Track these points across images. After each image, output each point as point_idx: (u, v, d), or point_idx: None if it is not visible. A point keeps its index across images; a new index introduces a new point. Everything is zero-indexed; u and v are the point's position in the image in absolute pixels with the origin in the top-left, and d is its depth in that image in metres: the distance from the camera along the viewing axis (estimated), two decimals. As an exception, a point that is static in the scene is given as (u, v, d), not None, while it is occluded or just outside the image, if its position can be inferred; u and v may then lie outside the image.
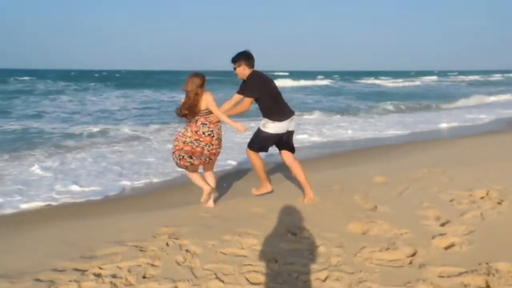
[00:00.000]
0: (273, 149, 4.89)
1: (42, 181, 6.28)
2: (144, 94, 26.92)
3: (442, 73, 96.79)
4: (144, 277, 2.96)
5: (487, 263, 3.00)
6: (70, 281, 2.90)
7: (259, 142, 4.51)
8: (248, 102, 4.34)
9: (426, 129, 12.19)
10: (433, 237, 3.57)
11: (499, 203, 4.44)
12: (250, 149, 4.52)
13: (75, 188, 5.94)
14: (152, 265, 3.13)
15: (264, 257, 3.22)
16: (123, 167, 7.22)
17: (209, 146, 4.25)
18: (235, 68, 4.39)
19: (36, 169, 6.90)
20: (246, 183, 5.99)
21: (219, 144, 4.37)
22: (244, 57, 4.36)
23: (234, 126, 4.31)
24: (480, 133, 11.01)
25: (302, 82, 45.67)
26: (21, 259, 3.34)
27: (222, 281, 2.87)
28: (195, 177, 4.49)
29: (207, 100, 4.20)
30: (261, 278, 2.91)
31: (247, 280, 2.90)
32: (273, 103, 4.45)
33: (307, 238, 3.59)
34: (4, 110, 16.78)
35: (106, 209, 5.05)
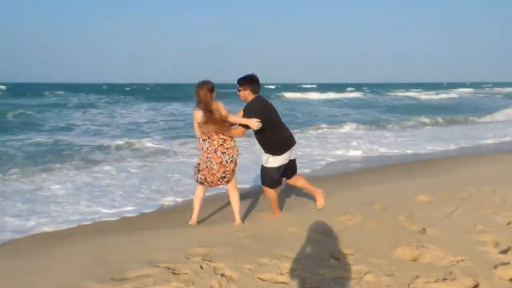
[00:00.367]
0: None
1: (71, 196, 6.21)
2: (172, 107, 27.22)
3: (476, 85, 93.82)
4: (177, 304, 2.73)
5: None
6: (99, 306, 2.71)
7: (267, 178, 4.53)
8: (240, 130, 4.29)
9: (467, 143, 11.62)
10: (495, 267, 3.19)
11: None
12: (264, 186, 4.59)
13: (106, 204, 5.82)
14: (186, 291, 2.90)
15: (306, 285, 2.94)
16: (152, 182, 7.09)
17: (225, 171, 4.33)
18: (239, 90, 4.38)
19: (65, 184, 6.89)
20: (286, 199, 5.77)
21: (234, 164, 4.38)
22: (250, 81, 4.35)
23: (249, 123, 4.23)
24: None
25: (331, 95, 45.17)
26: (50, 279, 3.19)
27: (262, 312, 2.61)
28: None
29: (219, 108, 4.16)
30: (305, 310, 2.64)
31: (290, 311, 2.63)
32: (271, 135, 4.39)
33: (352, 265, 3.27)
34: (36, 123, 17.23)
35: (138, 225, 4.91)
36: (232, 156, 4.26)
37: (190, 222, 4.57)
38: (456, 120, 19.20)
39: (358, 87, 77.24)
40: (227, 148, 4.22)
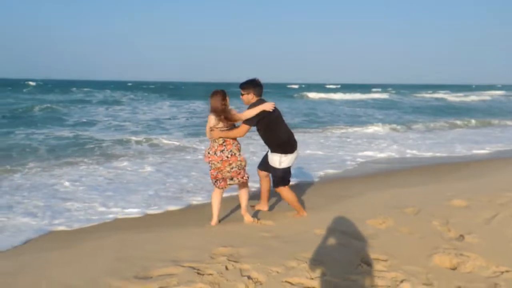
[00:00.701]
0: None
1: (93, 192, 6.13)
2: (195, 104, 27.32)
3: (507, 87, 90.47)
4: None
5: None
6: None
7: (281, 178, 4.52)
8: (244, 129, 4.27)
9: (501, 147, 11.08)
10: (544, 279, 2.93)
11: None
12: (279, 186, 4.55)
13: (128, 200, 5.74)
14: (211, 293, 2.78)
15: (338, 291, 2.77)
16: (173, 179, 7.00)
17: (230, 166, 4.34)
18: (242, 94, 4.40)
19: (86, 179, 6.88)
20: (303, 199, 5.58)
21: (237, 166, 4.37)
22: (254, 85, 4.37)
23: (264, 107, 4.25)
24: None
25: (355, 95, 44.47)
26: (74, 275, 3.14)
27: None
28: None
29: (231, 114, 4.24)
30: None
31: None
32: (281, 133, 4.42)
33: (386, 272, 3.08)
34: (60, 118, 17.58)
35: (161, 223, 4.82)
36: (231, 150, 4.31)
37: (212, 223, 4.48)
38: (488, 123, 18.43)
39: (383, 87, 75.90)
40: (225, 145, 4.29)
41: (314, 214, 4.72)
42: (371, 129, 15.42)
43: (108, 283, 2.92)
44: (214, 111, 4.21)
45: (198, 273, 3.03)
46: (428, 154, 9.82)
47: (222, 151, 4.28)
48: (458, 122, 17.77)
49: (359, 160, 8.92)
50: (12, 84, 62.48)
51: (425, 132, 14.95)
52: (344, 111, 24.70)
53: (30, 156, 9.03)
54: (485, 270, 3.13)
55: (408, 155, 9.68)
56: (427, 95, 51.30)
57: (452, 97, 45.37)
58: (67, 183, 6.57)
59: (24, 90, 45.74)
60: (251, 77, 4.46)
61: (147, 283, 2.91)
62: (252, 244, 3.64)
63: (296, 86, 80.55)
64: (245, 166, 4.40)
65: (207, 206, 5.20)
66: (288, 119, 18.55)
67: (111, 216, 5.12)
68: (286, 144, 4.44)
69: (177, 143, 11.01)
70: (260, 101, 4.36)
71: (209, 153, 4.35)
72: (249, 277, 2.96)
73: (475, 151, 10.25)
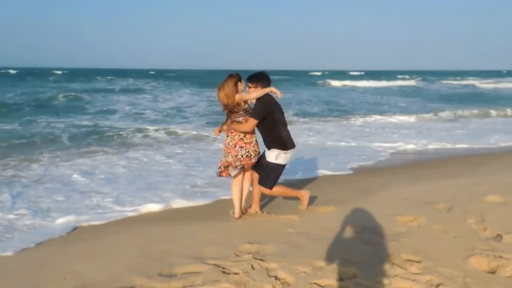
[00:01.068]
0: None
1: (114, 185, 6.02)
2: (215, 92, 27.17)
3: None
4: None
5: None
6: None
7: (273, 177, 4.31)
8: (252, 123, 4.11)
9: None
10: None
11: None
12: (267, 187, 4.31)
13: (150, 192, 5.60)
14: (237, 293, 2.70)
15: (370, 295, 2.64)
16: (194, 170, 6.87)
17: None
18: (249, 87, 4.26)
19: (106, 170, 6.85)
20: (327, 193, 5.38)
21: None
22: (262, 78, 4.23)
23: (269, 90, 4.15)
24: None
25: (379, 83, 43.47)
26: (98, 270, 3.12)
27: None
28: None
29: (240, 95, 4.10)
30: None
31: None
32: (280, 130, 4.25)
33: (421, 274, 2.92)
34: (83, 106, 17.82)
35: (184, 216, 4.73)
36: (248, 151, 4.21)
37: (235, 216, 4.37)
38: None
39: (409, 74, 73.93)
40: (245, 143, 4.19)
41: (341, 209, 4.55)
42: (394, 118, 15.01)
43: (132, 280, 2.88)
44: (225, 105, 4.13)
45: (223, 272, 2.95)
46: (458, 144, 9.46)
47: (241, 147, 4.17)
48: (492, 111, 17.03)
49: (384, 151, 8.67)
50: (39, 73, 63.99)
51: (454, 121, 14.47)
52: (366, 99, 24.18)
53: (51, 145, 9.16)
54: (527, 275, 2.93)
55: (435, 146, 9.33)
56: (455, 82, 49.70)
57: (483, 84, 43.71)
58: (87, 176, 6.46)
59: (50, 79, 46.76)
60: (265, 69, 4.37)
61: (171, 281, 2.85)
62: (278, 241, 3.54)
63: (319, 73, 79.38)
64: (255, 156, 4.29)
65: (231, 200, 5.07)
66: (309, 107, 18.28)
67: (133, 209, 5.01)
68: (286, 141, 4.27)
69: (195, 133, 10.96)
70: (268, 96, 4.20)
71: (229, 143, 4.20)
72: (276, 278, 2.86)
73: (510, 143, 9.76)
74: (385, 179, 6.21)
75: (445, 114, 16.24)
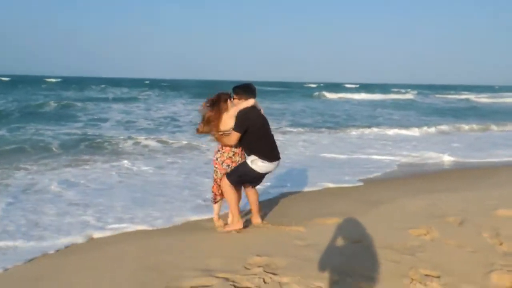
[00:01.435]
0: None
1: (111, 195, 5.65)
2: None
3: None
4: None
5: None
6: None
7: (239, 174, 4.09)
8: (234, 136, 4.02)
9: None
10: None
11: None
12: (228, 179, 4.07)
13: (148, 203, 5.27)
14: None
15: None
16: (191, 180, 6.60)
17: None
18: (234, 98, 4.19)
19: (100, 180, 6.52)
20: (331, 205, 5.15)
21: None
22: (246, 91, 4.16)
23: (248, 103, 4.07)
24: None
25: (374, 96, 43.58)
26: (99, 285, 2.91)
27: None
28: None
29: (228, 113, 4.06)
30: None
31: None
32: (263, 143, 4.11)
33: (443, 291, 2.59)
34: (74, 114, 17.42)
35: (188, 227, 4.49)
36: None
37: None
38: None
39: (403, 88, 74.40)
40: (233, 162, 4.14)
41: (348, 221, 4.39)
42: (390, 131, 14.78)
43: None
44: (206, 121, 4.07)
45: (235, 286, 2.78)
46: (459, 157, 9.22)
47: (228, 166, 4.12)
48: (492, 126, 16.89)
49: (385, 163, 8.51)
50: (32, 81, 63.57)
51: (453, 135, 14.30)
52: (361, 111, 24.05)
53: (40, 153, 8.83)
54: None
55: (435, 159, 9.13)
56: (450, 96, 49.98)
57: (478, 98, 43.92)
58: (77, 187, 6.05)
59: (43, 86, 46.36)
60: (250, 82, 4.28)
61: (179, 296, 2.53)
62: (287, 254, 3.37)
63: (314, 85, 79.73)
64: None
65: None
66: (305, 119, 18.01)
67: (128, 223, 4.57)
68: (266, 154, 4.07)
69: (186, 142, 10.62)
70: (252, 107, 4.09)
71: (217, 159, 4.18)
72: (291, 293, 2.55)
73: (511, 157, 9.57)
74: (390, 191, 6.02)
75: (444, 127, 16.06)
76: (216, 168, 4.16)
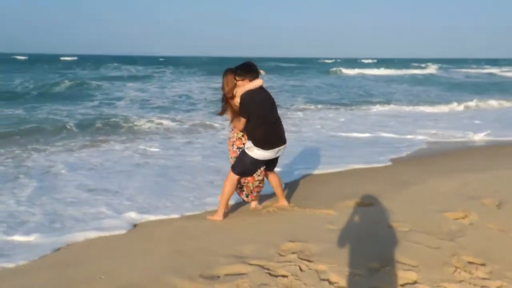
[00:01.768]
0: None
1: (130, 183, 5.30)
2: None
3: None
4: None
5: None
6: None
7: (242, 165, 3.90)
8: (242, 121, 3.83)
9: None
10: None
11: None
12: (233, 171, 3.92)
13: (172, 193, 4.95)
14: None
15: (438, 304, 2.36)
16: (210, 161, 6.45)
17: None
18: (237, 80, 3.91)
19: (121, 161, 6.45)
20: (359, 185, 5.07)
21: None
22: (249, 70, 3.89)
23: (257, 83, 3.86)
24: None
25: (391, 71, 42.64)
26: (132, 271, 2.87)
27: None
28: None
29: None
30: None
31: None
32: (263, 129, 3.82)
33: (489, 279, 2.64)
34: (90, 94, 17.38)
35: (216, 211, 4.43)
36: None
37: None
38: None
39: (423, 62, 72.61)
40: (243, 143, 4.02)
41: (379, 203, 4.25)
42: (412, 108, 14.56)
43: (173, 282, 2.63)
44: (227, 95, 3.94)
45: (270, 274, 2.70)
46: (489, 136, 8.80)
47: (239, 148, 4.02)
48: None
49: (411, 142, 8.28)
50: (48, 60, 63.93)
51: (480, 111, 13.96)
52: (378, 88, 23.62)
53: (56, 134, 8.79)
54: None
55: (463, 138, 8.80)
56: (472, 70, 48.59)
57: (502, 72, 42.53)
58: (95, 170, 5.91)
59: (59, 65, 46.65)
60: (263, 58, 3.88)
61: (215, 283, 2.60)
62: (322, 240, 3.26)
63: (330, 61, 78.23)
64: None
65: (267, 195, 4.62)
66: (320, 96, 17.69)
67: (155, 209, 4.41)
68: (265, 141, 3.82)
69: (201, 121, 10.57)
70: (257, 90, 3.84)
71: (229, 138, 4.13)
72: (329, 282, 2.60)
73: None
74: (419, 171, 5.84)
75: (471, 103, 15.50)
76: (228, 149, 4.12)
